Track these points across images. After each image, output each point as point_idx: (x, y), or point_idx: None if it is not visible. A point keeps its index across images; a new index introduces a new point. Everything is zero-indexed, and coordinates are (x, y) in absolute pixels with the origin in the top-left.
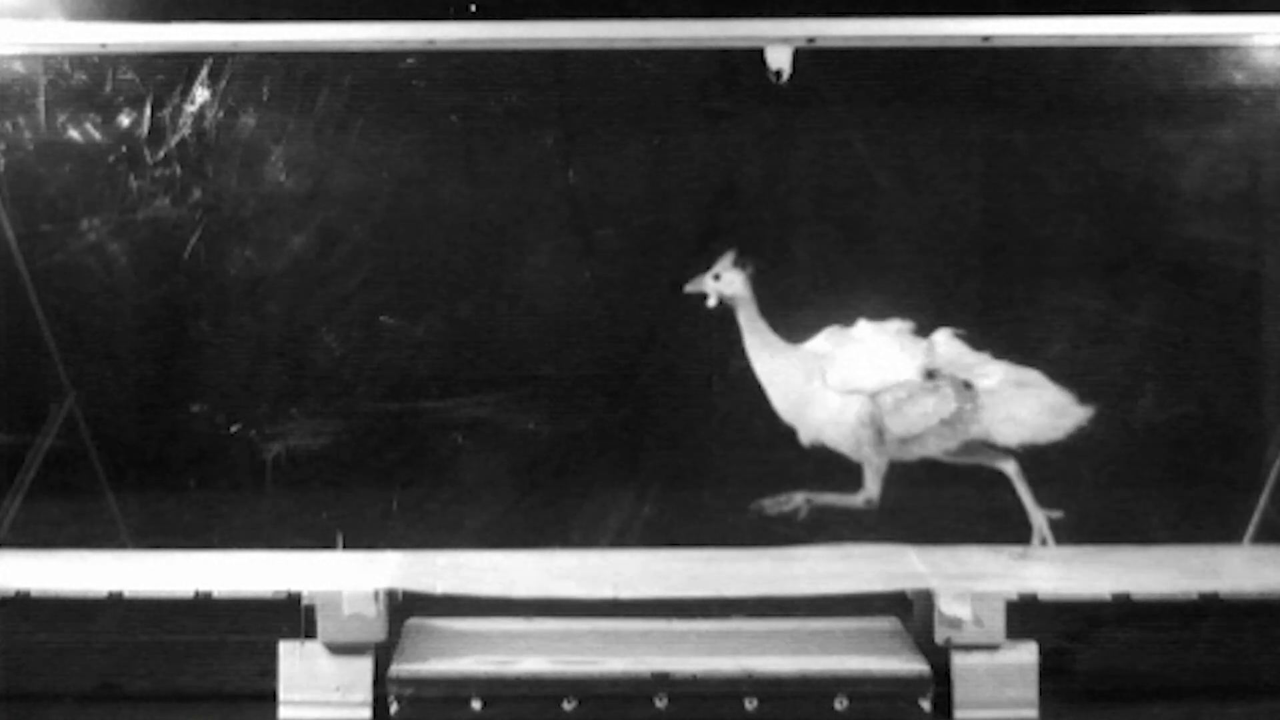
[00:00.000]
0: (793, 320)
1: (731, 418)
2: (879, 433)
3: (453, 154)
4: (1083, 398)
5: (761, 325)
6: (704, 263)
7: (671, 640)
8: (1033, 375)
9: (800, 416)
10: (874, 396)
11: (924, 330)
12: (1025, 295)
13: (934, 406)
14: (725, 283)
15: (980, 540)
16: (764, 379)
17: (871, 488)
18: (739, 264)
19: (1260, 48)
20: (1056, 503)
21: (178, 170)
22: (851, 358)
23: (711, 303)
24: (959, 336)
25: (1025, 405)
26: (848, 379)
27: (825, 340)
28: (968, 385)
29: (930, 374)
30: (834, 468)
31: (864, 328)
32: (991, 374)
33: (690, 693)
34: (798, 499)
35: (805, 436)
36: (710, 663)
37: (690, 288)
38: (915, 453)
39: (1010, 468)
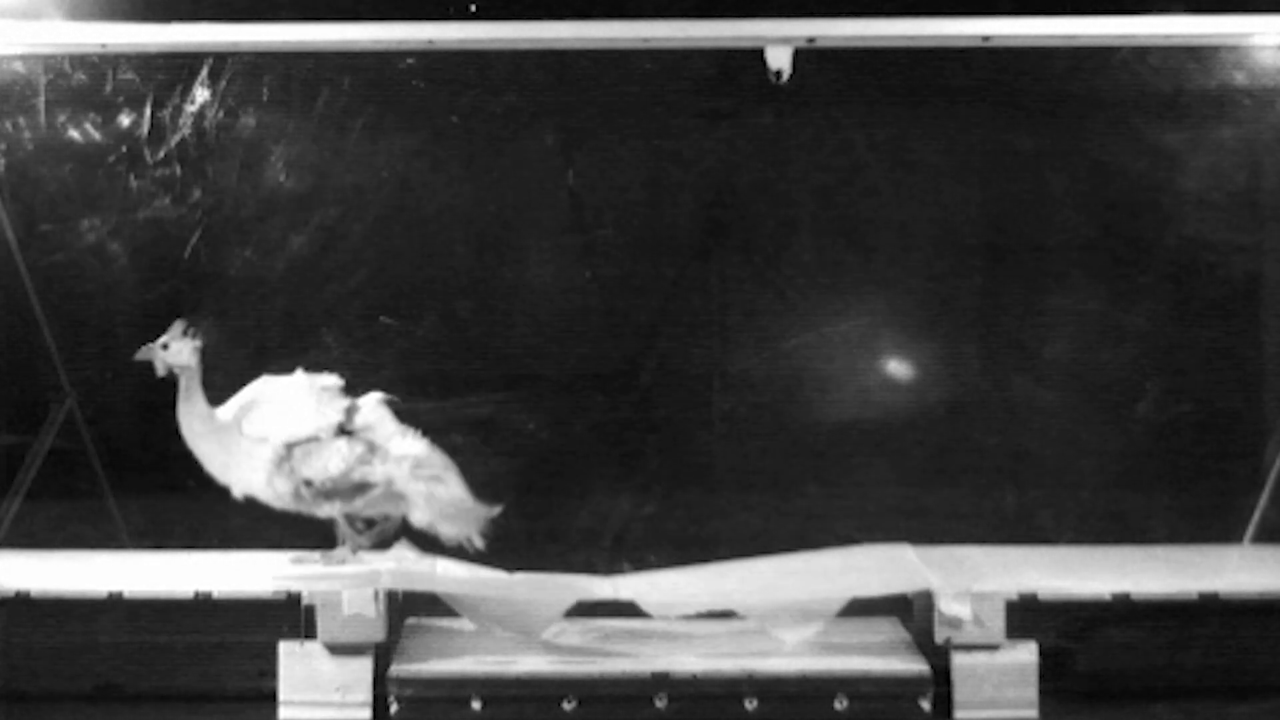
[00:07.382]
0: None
1: (732, 417)
2: (302, 484)
3: (453, 154)
4: (489, 498)
5: (198, 396)
6: (705, 262)
7: (671, 640)
8: (442, 461)
9: (228, 477)
10: (287, 446)
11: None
12: (1024, 295)
13: (340, 456)
14: (173, 352)
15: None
16: (192, 447)
17: (350, 543)
18: (188, 333)
19: (1260, 48)
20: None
21: (178, 170)
22: (264, 410)
23: (160, 372)
24: (387, 404)
25: (427, 489)
26: (257, 427)
27: (250, 391)
28: (377, 447)
29: (347, 432)
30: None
31: (295, 380)
32: (407, 449)
33: (690, 693)
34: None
35: (237, 491)
36: (710, 663)
37: (139, 355)
38: (361, 512)
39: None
